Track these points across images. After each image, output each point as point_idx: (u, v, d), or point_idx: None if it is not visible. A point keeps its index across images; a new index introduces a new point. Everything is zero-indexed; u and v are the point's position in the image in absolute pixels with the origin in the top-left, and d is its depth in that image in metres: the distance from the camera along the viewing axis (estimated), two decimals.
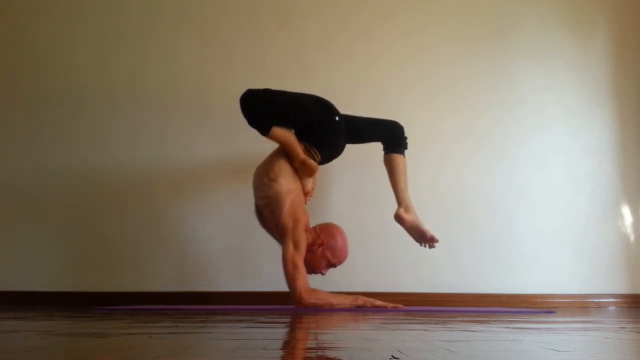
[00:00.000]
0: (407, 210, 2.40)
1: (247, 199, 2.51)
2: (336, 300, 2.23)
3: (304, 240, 2.24)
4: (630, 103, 3.09)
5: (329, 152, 2.42)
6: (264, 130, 2.26)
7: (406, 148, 2.50)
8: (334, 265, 2.37)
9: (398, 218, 2.40)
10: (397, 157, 2.46)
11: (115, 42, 3.05)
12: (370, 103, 2.97)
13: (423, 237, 2.40)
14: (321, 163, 2.42)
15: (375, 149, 2.55)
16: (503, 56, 3.09)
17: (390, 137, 2.48)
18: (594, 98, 3.08)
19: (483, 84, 3.05)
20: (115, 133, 2.96)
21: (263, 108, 2.24)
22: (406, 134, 2.52)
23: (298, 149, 2.30)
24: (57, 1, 3.09)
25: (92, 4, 3.09)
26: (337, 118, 2.38)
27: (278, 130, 2.27)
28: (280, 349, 0.86)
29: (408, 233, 2.43)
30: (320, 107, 2.38)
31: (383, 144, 2.51)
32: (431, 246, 2.42)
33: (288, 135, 2.30)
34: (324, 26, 3.08)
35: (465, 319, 1.69)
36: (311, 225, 2.38)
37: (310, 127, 2.34)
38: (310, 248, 2.28)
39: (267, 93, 2.28)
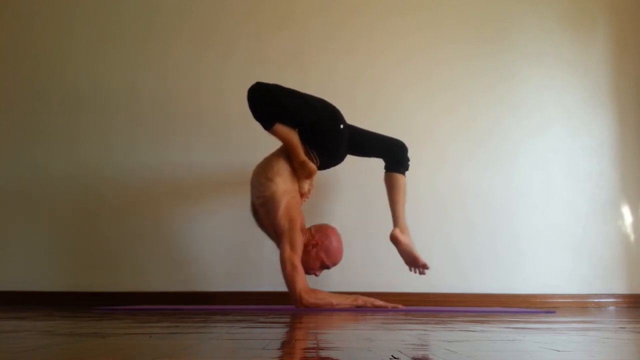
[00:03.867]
0: (402, 231, 2.36)
1: (246, 200, 2.51)
2: (336, 300, 2.22)
3: (300, 241, 2.23)
4: (630, 103, 3.09)
5: (329, 158, 2.40)
6: (267, 125, 2.25)
7: (407, 169, 2.49)
8: (327, 267, 2.37)
9: (394, 239, 2.35)
10: (398, 177, 2.44)
11: (113, 43, 3.05)
12: (369, 102, 2.97)
13: (415, 262, 2.37)
14: (319, 168, 2.40)
15: None
16: (503, 56, 3.09)
17: (392, 156, 2.47)
18: (594, 98, 3.08)
19: (483, 84, 3.05)
20: (115, 134, 2.96)
21: (270, 102, 2.23)
22: (409, 155, 2.51)
23: (300, 149, 2.29)
24: (55, 4, 3.09)
25: (91, 5, 3.09)
26: (341, 126, 2.36)
27: (281, 128, 2.26)
28: (280, 349, 0.86)
29: (400, 255, 2.38)
30: (327, 113, 2.36)
31: (385, 162, 2.49)
32: (422, 272, 2.40)
33: (291, 134, 2.28)
34: (324, 26, 3.08)
35: (465, 319, 1.69)
36: (307, 226, 2.38)
37: (313, 130, 2.32)
38: (304, 248, 2.28)
39: (277, 89, 2.27)
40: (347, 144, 2.40)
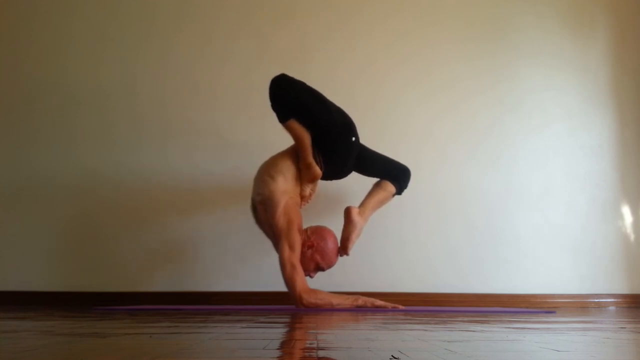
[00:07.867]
0: (360, 214, 2.40)
1: (246, 200, 2.51)
2: (336, 301, 2.22)
3: (298, 242, 2.23)
4: (630, 103, 3.09)
5: (334, 168, 2.39)
6: (283, 118, 2.25)
7: (400, 192, 2.50)
8: (322, 269, 2.36)
9: (348, 213, 2.39)
10: (390, 185, 2.46)
11: (112, 43, 3.05)
12: (369, 102, 2.97)
13: (344, 243, 2.40)
14: (323, 177, 2.39)
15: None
16: (503, 56, 3.09)
17: (394, 178, 2.48)
18: (594, 98, 3.08)
19: (483, 84, 3.05)
20: (115, 134, 2.96)
21: (290, 96, 2.23)
22: (410, 182, 2.53)
23: (309, 149, 2.28)
24: (55, 4, 3.09)
25: (90, 5, 3.09)
26: (353, 139, 2.36)
27: (295, 124, 2.25)
28: (280, 349, 0.86)
29: (343, 229, 2.41)
30: (343, 122, 2.34)
31: (385, 178, 2.50)
32: (341, 253, 2.43)
33: (304, 133, 2.27)
34: (324, 26, 3.08)
35: (465, 319, 1.69)
36: (304, 227, 2.37)
37: (325, 135, 2.30)
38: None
39: (300, 85, 2.26)
40: (354, 159, 2.40)
